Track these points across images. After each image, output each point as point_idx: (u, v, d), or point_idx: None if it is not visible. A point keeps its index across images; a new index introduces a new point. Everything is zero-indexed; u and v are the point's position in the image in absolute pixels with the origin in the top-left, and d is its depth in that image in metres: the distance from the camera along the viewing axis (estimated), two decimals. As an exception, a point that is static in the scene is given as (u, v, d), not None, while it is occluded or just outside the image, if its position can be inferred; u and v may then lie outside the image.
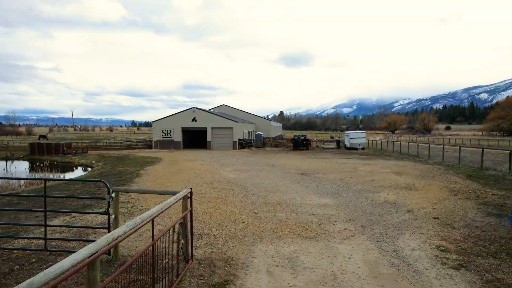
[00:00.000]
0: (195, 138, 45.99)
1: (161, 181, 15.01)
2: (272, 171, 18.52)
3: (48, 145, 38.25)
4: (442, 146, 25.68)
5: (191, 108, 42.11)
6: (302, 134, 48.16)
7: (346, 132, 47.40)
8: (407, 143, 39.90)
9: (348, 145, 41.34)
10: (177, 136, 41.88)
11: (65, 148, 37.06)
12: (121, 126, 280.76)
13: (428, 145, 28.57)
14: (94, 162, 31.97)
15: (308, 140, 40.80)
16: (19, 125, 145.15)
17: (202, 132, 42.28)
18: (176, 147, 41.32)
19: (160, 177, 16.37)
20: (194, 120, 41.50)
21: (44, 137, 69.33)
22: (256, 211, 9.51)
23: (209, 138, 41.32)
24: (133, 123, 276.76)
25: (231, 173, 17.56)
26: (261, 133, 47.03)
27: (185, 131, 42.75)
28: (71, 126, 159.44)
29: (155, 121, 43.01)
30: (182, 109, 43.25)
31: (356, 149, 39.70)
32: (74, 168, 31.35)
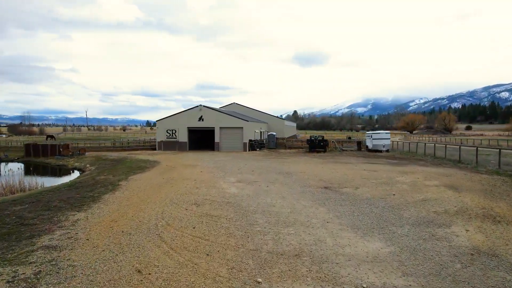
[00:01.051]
0: (202, 139, 41.97)
1: (135, 200, 10.91)
2: (287, 183, 14.19)
3: (43, 146, 34.94)
4: (498, 149, 20.67)
5: (198, 106, 38.08)
6: (319, 134, 43.46)
7: (368, 132, 42.43)
8: (442, 145, 34.76)
9: (370, 146, 36.53)
10: (183, 137, 37.97)
11: (61, 149, 33.68)
12: (135, 126, 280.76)
13: (475, 148, 23.56)
14: (88, 165, 28.42)
15: (326, 141, 36.19)
16: (38, 125, 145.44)
17: (210, 132, 38.25)
18: (181, 148, 37.48)
19: (140, 192, 12.30)
20: (201, 119, 37.48)
21: (52, 137, 66.95)
22: (259, 279, 5.24)
23: (217, 139, 37.24)
24: (148, 123, 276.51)
25: (234, 187, 13.33)
26: (274, 133, 42.68)
27: (192, 131, 38.81)
28: (86, 126, 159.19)
29: (159, 120, 39.17)
30: (189, 108, 39.34)
31: (380, 151, 34.88)
32: (71, 172, 27.91)
